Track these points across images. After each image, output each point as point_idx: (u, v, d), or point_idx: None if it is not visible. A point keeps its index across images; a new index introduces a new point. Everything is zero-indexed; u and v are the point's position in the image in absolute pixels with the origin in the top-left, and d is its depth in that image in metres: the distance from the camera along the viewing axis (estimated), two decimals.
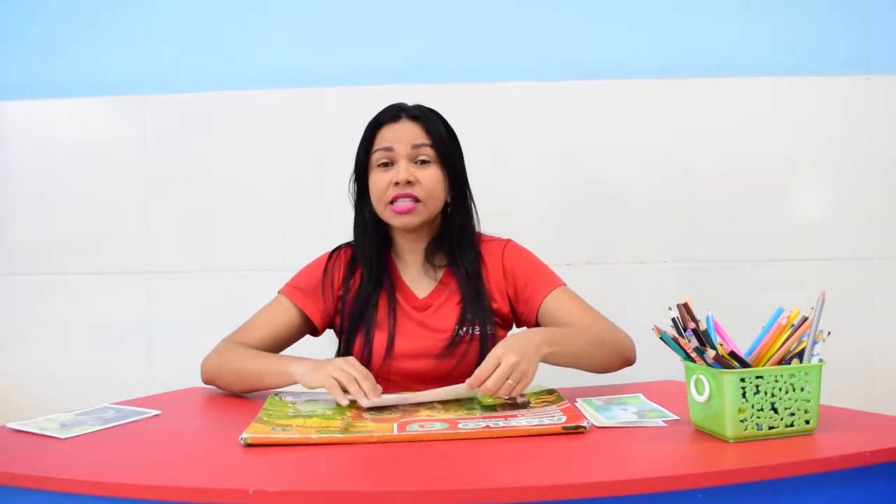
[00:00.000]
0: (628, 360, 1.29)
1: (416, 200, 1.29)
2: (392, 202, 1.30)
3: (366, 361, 1.31)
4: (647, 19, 1.96)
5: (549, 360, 1.18)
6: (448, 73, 1.96)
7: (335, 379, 1.13)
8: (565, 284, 1.36)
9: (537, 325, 1.35)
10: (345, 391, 1.12)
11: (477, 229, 1.41)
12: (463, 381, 1.31)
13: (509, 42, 1.97)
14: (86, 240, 1.99)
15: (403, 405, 1.13)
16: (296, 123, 1.97)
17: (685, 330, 0.93)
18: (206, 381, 1.31)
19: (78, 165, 1.99)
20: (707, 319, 0.95)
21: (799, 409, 0.90)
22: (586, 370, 1.26)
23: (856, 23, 1.95)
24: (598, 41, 1.97)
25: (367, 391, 1.11)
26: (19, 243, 2.00)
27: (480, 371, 1.09)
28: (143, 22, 2.00)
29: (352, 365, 1.16)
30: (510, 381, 1.07)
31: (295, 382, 1.21)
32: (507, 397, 1.10)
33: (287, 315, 1.36)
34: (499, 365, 1.08)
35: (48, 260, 1.99)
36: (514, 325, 1.41)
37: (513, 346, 1.11)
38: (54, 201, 1.99)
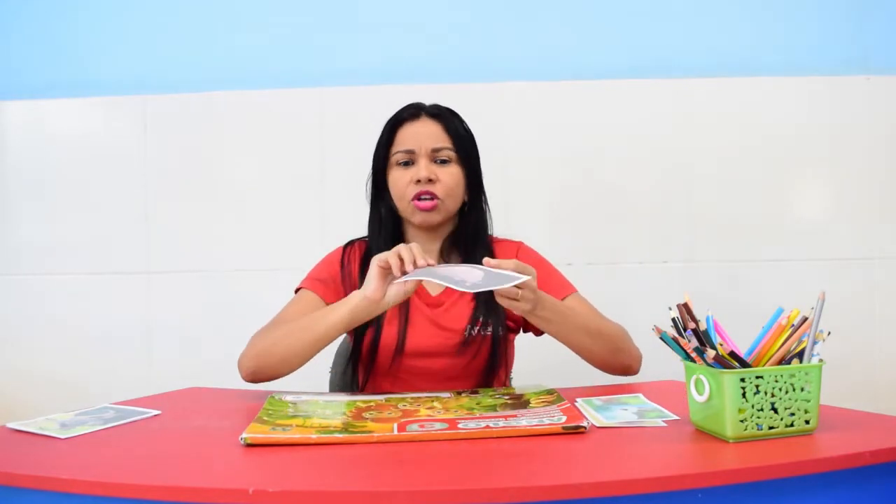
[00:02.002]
0: (627, 368, 1.29)
1: (436, 198, 1.30)
2: (414, 199, 1.30)
3: (373, 357, 1.31)
4: (647, 19, 1.97)
5: (539, 323, 1.19)
6: (448, 73, 1.96)
7: (380, 266, 1.12)
8: (578, 291, 1.36)
9: (541, 333, 1.35)
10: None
11: (490, 231, 1.41)
12: (474, 382, 1.32)
13: (509, 42, 1.97)
14: (86, 240, 1.99)
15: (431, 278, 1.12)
16: (296, 123, 1.97)
17: (685, 330, 0.93)
18: (251, 372, 1.22)
19: (78, 165, 1.99)
20: (707, 319, 0.95)
21: (799, 409, 0.90)
22: (577, 354, 1.27)
23: (856, 23, 1.95)
24: (598, 41, 1.97)
25: (416, 255, 1.11)
26: (19, 243, 2.00)
27: (508, 263, 1.08)
28: (143, 22, 2.01)
29: (387, 252, 1.14)
30: (517, 293, 1.08)
31: (359, 308, 1.17)
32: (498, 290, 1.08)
33: (316, 308, 1.30)
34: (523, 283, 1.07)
35: (48, 260, 1.99)
36: (521, 329, 1.41)
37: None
38: (54, 201, 2.00)
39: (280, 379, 1.24)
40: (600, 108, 1.96)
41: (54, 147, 2.00)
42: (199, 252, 1.98)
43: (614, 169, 1.96)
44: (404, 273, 1.12)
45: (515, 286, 1.08)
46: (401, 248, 1.13)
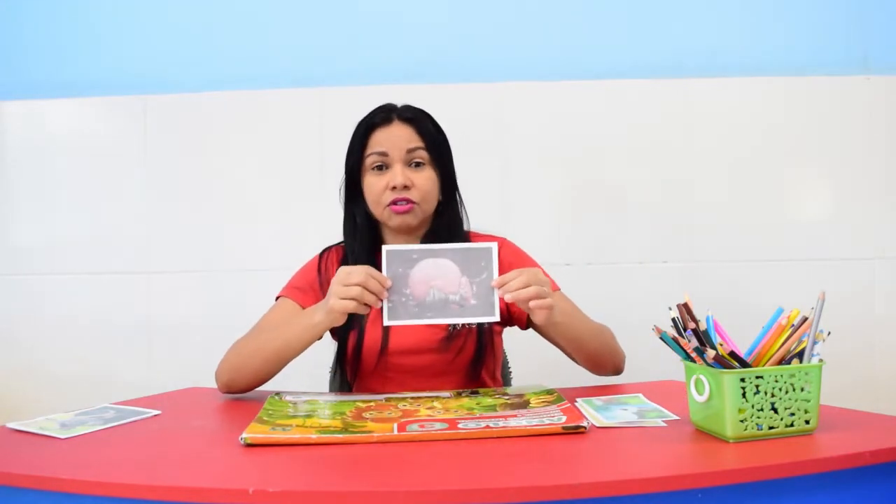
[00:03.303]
0: (617, 368, 1.31)
1: (413, 203, 1.30)
2: (389, 204, 1.30)
3: (358, 358, 1.31)
4: (648, 19, 1.97)
5: (553, 329, 1.21)
6: (448, 73, 1.96)
7: (345, 311, 1.12)
8: (561, 290, 1.36)
9: (527, 326, 1.35)
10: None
11: (466, 227, 1.41)
12: (461, 376, 1.32)
13: (509, 42, 1.97)
14: (86, 240, 1.99)
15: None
16: (296, 123, 1.97)
17: (685, 330, 0.93)
18: (225, 386, 1.25)
19: (78, 165, 1.99)
20: (707, 319, 0.95)
21: (799, 409, 0.90)
22: (579, 357, 1.28)
23: (856, 23, 1.95)
24: (598, 41, 1.97)
25: (377, 291, 1.10)
26: (19, 243, 2.00)
27: (504, 277, 1.11)
28: (143, 22, 2.00)
29: (347, 281, 1.11)
30: (533, 291, 1.09)
31: (321, 331, 1.20)
32: (521, 298, 1.09)
33: (295, 316, 1.31)
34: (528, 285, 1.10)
35: (48, 260, 1.99)
36: (507, 324, 1.40)
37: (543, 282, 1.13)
38: (54, 201, 1.99)
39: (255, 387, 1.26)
40: (600, 108, 1.96)
41: (54, 147, 2.00)
42: (199, 252, 1.98)
43: (614, 169, 1.96)
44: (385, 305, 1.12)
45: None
46: (363, 294, 1.10)
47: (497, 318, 1.12)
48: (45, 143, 2.00)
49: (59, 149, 2.00)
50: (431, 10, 1.98)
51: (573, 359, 1.31)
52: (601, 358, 1.29)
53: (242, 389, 1.25)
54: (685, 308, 0.94)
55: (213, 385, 1.35)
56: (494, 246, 1.14)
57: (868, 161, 1.93)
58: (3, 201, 2.00)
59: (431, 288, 1.12)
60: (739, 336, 0.97)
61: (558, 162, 1.96)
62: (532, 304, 1.10)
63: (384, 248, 1.13)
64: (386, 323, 1.12)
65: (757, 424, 0.89)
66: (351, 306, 1.11)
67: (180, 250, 1.98)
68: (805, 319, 0.92)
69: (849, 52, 1.95)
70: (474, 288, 1.12)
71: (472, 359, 1.32)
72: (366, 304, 1.11)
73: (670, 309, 0.95)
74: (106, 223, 1.99)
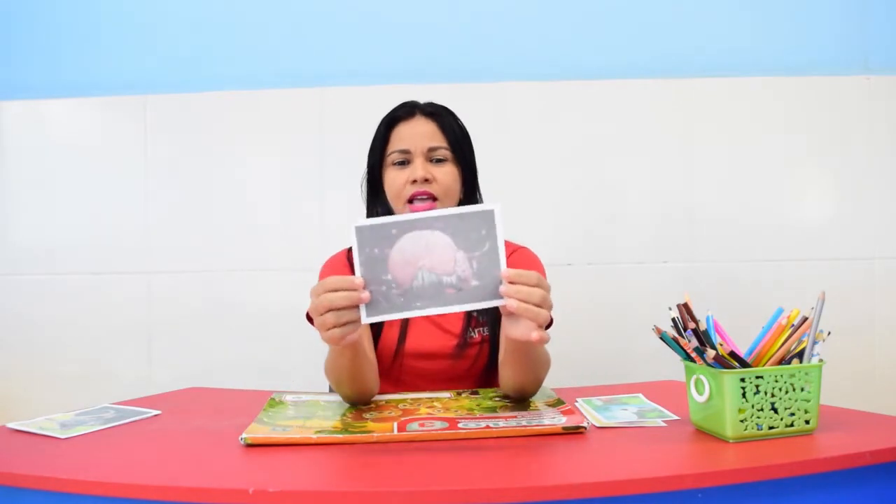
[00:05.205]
0: (529, 396, 1.18)
1: (434, 199, 1.29)
2: (410, 201, 1.28)
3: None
4: (647, 19, 1.96)
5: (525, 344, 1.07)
6: (448, 73, 1.96)
7: (338, 343, 0.93)
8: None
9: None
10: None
11: None
12: (473, 384, 1.31)
13: (509, 42, 1.97)
14: (86, 240, 1.99)
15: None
16: (296, 123, 1.97)
17: (685, 330, 0.93)
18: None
19: (78, 165, 1.99)
20: (707, 319, 0.95)
21: (799, 409, 0.90)
22: (516, 374, 1.14)
23: (856, 23, 1.95)
24: (598, 41, 1.97)
25: (352, 300, 0.90)
26: (19, 243, 2.00)
27: (523, 276, 0.90)
28: (143, 22, 2.00)
29: (318, 310, 0.91)
30: (544, 317, 0.90)
31: (348, 349, 1.07)
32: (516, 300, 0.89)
33: None
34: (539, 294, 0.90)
35: (48, 260, 1.99)
36: None
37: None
38: (54, 201, 1.99)
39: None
40: (600, 108, 1.95)
41: (54, 147, 2.00)
42: (199, 252, 1.98)
43: (614, 169, 1.96)
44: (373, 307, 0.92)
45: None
46: (339, 316, 0.90)
47: (506, 301, 0.90)
48: (45, 143, 2.00)
49: (59, 149, 2.00)
50: (431, 10, 1.98)
51: (503, 372, 1.17)
52: (535, 384, 1.16)
53: (353, 402, 1.16)
54: (685, 308, 0.94)
55: (213, 385, 1.36)
56: (497, 207, 0.90)
57: (868, 161, 1.93)
58: (4, 201, 2.00)
59: (419, 270, 0.90)
60: (739, 336, 0.97)
61: (558, 162, 1.96)
62: (533, 333, 0.90)
63: (354, 224, 0.91)
64: (364, 321, 0.91)
65: (757, 424, 0.89)
66: (336, 335, 0.91)
67: (180, 250, 1.98)
68: (805, 319, 0.92)
69: (849, 52, 1.95)
70: (474, 265, 0.89)
71: (484, 368, 1.32)
72: (354, 321, 0.92)
73: (670, 309, 0.95)
74: (106, 223, 1.99)
